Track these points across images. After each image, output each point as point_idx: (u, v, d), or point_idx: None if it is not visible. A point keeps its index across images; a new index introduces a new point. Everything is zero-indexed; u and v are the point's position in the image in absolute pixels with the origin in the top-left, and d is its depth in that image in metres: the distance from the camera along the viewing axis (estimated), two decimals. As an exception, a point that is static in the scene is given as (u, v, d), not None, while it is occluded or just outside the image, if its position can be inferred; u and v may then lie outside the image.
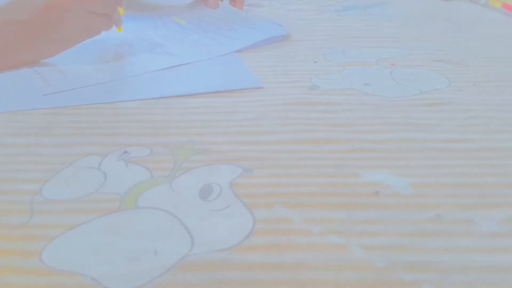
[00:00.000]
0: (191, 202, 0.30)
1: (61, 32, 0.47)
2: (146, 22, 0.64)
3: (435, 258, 0.26)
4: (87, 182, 0.32)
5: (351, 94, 0.45)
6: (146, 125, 0.39)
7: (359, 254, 0.26)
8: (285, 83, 0.47)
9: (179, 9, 0.69)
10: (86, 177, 0.32)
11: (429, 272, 0.25)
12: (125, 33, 0.55)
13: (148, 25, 0.63)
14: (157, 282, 0.24)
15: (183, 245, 0.27)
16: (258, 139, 0.37)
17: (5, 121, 0.39)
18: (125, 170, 0.33)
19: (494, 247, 0.27)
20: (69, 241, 0.27)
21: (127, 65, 0.51)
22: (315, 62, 0.53)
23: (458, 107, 0.42)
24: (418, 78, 0.48)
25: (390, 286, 0.24)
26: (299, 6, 0.76)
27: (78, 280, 0.24)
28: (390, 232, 0.28)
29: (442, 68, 0.50)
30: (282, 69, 0.51)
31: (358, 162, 0.34)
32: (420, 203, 0.30)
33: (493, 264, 0.25)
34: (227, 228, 0.28)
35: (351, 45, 0.58)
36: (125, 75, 0.48)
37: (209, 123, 0.40)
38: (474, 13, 0.73)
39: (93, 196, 0.31)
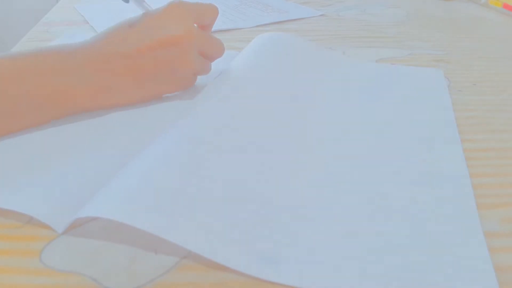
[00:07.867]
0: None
1: (170, 72, 0.41)
2: None
3: (435, 258, 0.26)
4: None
5: (351, 94, 0.45)
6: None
7: (359, 254, 0.26)
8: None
9: None
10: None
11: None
12: None
13: None
14: (157, 282, 0.24)
15: (183, 245, 0.27)
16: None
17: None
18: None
19: (494, 247, 0.27)
20: (69, 241, 0.27)
21: None
22: (315, 62, 0.53)
23: (458, 107, 0.42)
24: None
25: (390, 286, 0.24)
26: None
27: (78, 280, 0.24)
28: (390, 232, 0.28)
29: (442, 68, 0.50)
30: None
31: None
32: (420, 203, 0.30)
33: (493, 264, 0.25)
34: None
35: (351, 45, 0.58)
36: None
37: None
38: (474, 13, 0.73)
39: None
